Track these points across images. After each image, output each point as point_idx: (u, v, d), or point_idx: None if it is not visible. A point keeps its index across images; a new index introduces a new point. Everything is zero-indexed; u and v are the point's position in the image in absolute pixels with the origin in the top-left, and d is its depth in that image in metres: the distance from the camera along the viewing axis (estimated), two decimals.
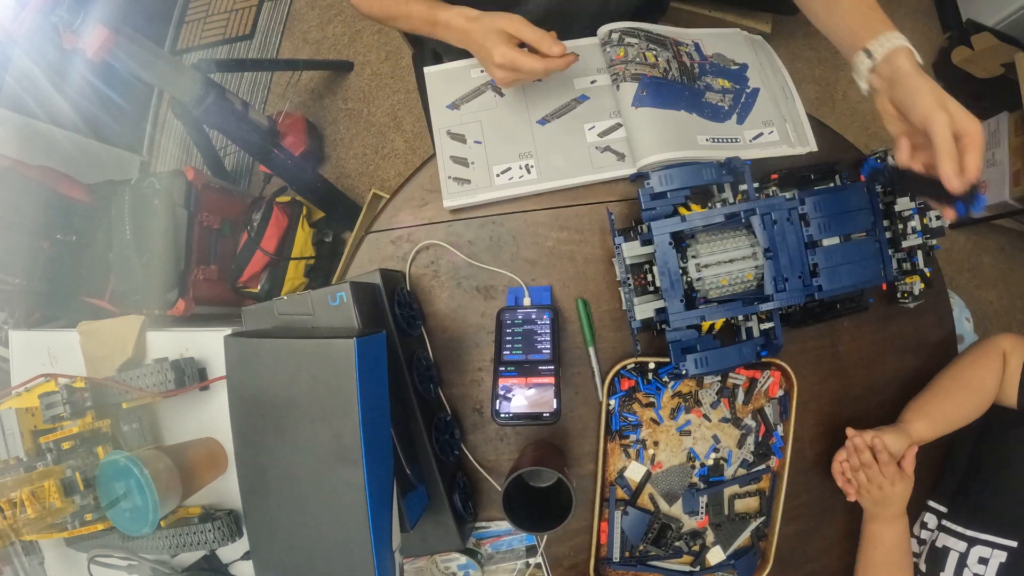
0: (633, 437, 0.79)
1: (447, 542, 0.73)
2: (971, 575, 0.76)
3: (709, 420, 0.80)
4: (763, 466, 0.80)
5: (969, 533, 0.77)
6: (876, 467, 0.73)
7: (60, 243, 1.26)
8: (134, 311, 1.30)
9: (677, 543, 0.79)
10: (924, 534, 0.82)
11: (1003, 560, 0.74)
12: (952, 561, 0.78)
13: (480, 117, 0.81)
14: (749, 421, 0.80)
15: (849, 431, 0.75)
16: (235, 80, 1.96)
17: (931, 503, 0.83)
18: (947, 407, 0.79)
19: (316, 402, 0.55)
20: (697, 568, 0.79)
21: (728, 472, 0.80)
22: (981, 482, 0.79)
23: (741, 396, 0.79)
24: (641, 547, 0.79)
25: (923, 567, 0.80)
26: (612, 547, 0.79)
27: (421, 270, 0.81)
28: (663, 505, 0.80)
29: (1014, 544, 0.74)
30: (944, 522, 0.81)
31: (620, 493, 0.80)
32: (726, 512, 0.80)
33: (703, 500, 0.79)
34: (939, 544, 0.80)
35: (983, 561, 0.76)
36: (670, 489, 0.80)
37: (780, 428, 0.80)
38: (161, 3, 2.01)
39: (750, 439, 0.79)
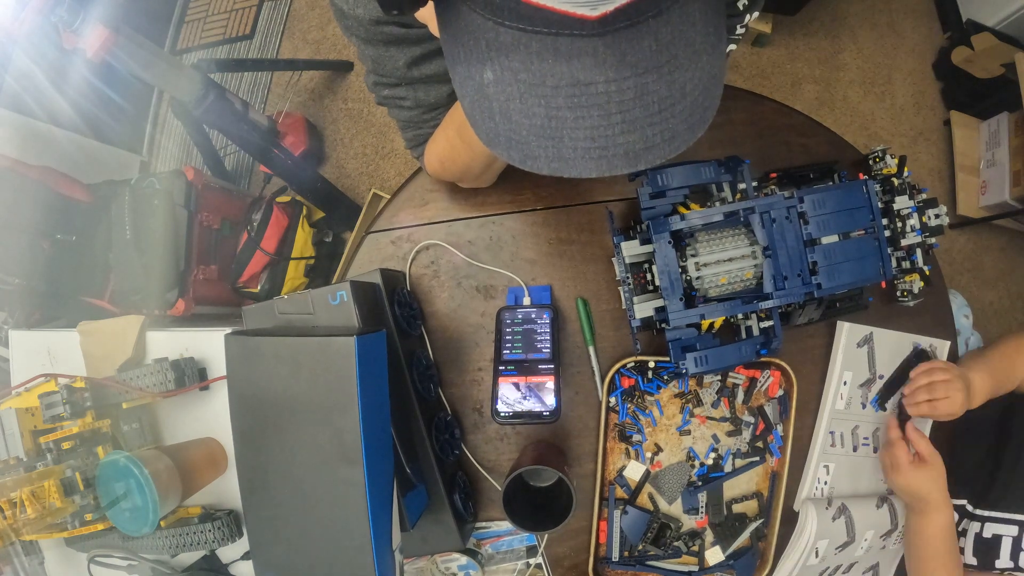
0: (635, 437, 0.79)
1: (447, 542, 0.73)
2: None
3: (709, 419, 0.80)
4: (756, 457, 0.80)
5: (1019, 517, 0.78)
6: (897, 448, 0.74)
7: (60, 243, 1.26)
8: (134, 311, 1.30)
9: (676, 543, 0.79)
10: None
11: None
12: (1006, 546, 0.78)
13: None
14: (748, 418, 0.80)
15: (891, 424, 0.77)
16: (235, 80, 1.96)
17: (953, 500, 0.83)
18: (1002, 375, 0.80)
19: (316, 400, 0.55)
20: (696, 568, 0.79)
21: (726, 467, 0.80)
22: (1017, 468, 0.79)
23: (741, 396, 0.79)
24: (640, 547, 0.79)
25: (973, 560, 0.80)
26: (611, 546, 0.79)
27: (421, 270, 0.81)
28: (662, 504, 0.80)
29: None
30: (979, 511, 0.81)
31: (619, 492, 0.80)
32: (725, 513, 0.80)
33: (702, 498, 0.79)
34: (987, 534, 0.80)
35: None
36: (669, 488, 0.80)
37: (780, 428, 0.80)
38: (161, 3, 2.01)
39: (746, 433, 0.80)
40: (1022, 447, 0.80)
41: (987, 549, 0.79)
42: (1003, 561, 0.78)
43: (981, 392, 0.78)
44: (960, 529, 0.81)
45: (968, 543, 0.81)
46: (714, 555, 0.79)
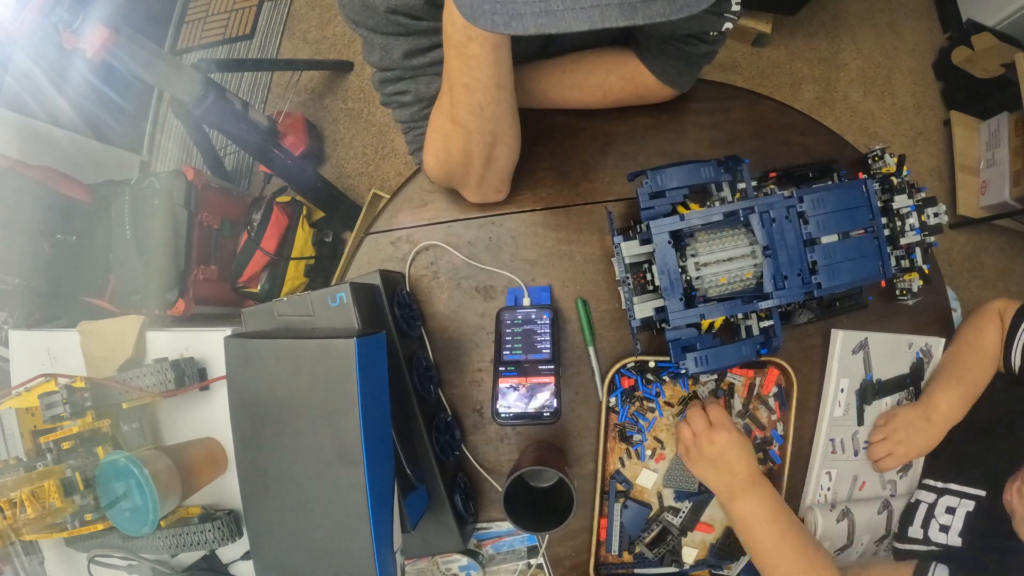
0: (635, 437, 0.79)
1: (448, 543, 0.73)
2: (938, 525, 0.76)
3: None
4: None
5: (940, 485, 0.78)
6: (683, 428, 0.71)
7: (60, 243, 1.26)
8: (134, 311, 1.30)
9: (671, 550, 0.79)
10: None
11: (970, 509, 0.74)
12: (921, 513, 0.78)
13: None
14: (738, 421, 0.79)
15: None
16: (235, 80, 1.96)
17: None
18: (970, 376, 0.79)
19: (316, 402, 0.55)
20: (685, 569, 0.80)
21: None
22: (957, 437, 0.79)
23: (740, 396, 0.79)
24: (637, 549, 0.79)
25: (895, 526, 0.80)
26: (611, 540, 0.79)
27: (421, 271, 0.81)
28: (668, 501, 0.80)
29: (982, 493, 0.74)
30: (922, 479, 0.81)
31: (619, 487, 0.80)
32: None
33: (686, 506, 0.79)
34: (912, 499, 0.80)
35: (950, 511, 0.76)
36: (675, 481, 0.80)
37: (779, 427, 0.80)
38: (161, 3, 2.01)
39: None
40: (969, 427, 0.78)
41: (907, 513, 0.79)
42: (915, 529, 0.78)
43: (951, 410, 0.77)
44: (913, 500, 0.81)
45: (901, 506, 0.81)
46: (688, 555, 0.80)
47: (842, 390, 0.79)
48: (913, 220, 0.73)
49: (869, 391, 0.80)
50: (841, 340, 0.79)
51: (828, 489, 0.80)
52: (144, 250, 1.29)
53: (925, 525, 0.77)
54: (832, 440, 0.80)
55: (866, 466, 0.81)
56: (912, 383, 0.82)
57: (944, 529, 0.75)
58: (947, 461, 0.79)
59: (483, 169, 0.70)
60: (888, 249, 0.71)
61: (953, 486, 0.77)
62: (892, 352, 0.81)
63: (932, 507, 0.77)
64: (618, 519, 0.79)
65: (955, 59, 1.81)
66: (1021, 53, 1.64)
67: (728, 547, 0.79)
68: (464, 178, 0.73)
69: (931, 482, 0.80)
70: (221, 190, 1.51)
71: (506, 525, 0.80)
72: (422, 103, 0.68)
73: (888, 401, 0.81)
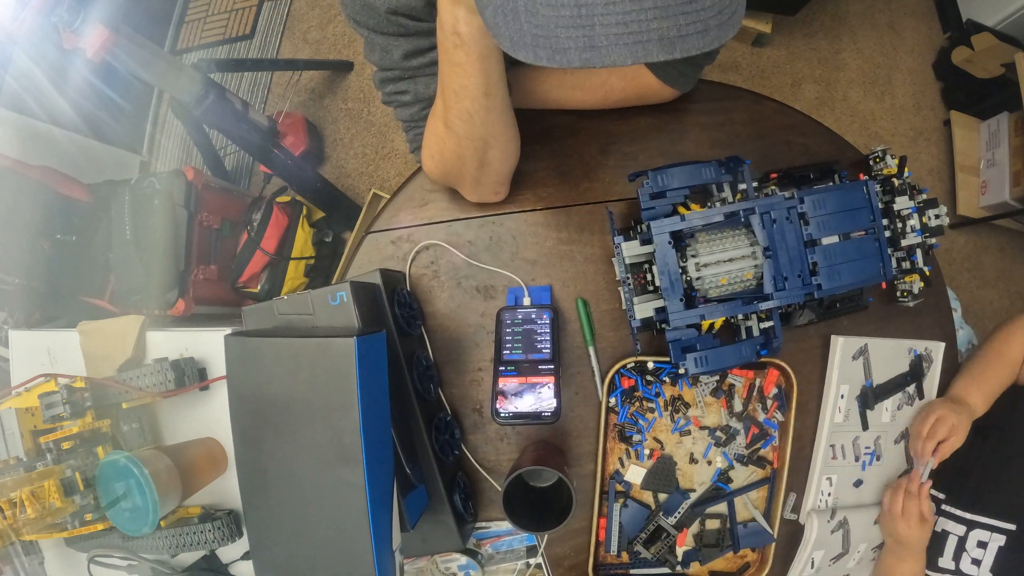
0: (635, 437, 0.79)
1: (447, 542, 0.73)
2: (970, 559, 0.76)
3: (703, 427, 0.80)
4: (761, 469, 0.80)
5: (968, 516, 0.78)
6: (921, 502, 0.73)
7: (60, 243, 1.26)
8: (134, 311, 1.30)
9: (666, 551, 0.79)
10: None
11: (1002, 544, 0.74)
12: (951, 545, 0.78)
13: None
14: (736, 424, 0.80)
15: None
16: (235, 80, 1.96)
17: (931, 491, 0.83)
18: (995, 380, 0.80)
19: (316, 401, 0.55)
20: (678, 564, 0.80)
21: (731, 474, 0.80)
22: (982, 466, 0.79)
23: (739, 396, 0.79)
24: (635, 547, 0.79)
25: None
26: (610, 540, 0.79)
27: (421, 270, 0.81)
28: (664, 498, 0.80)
29: (1012, 527, 0.74)
30: (944, 507, 0.81)
31: (619, 487, 0.80)
32: (698, 533, 0.80)
33: (684, 504, 0.79)
34: (938, 528, 0.79)
35: (982, 545, 0.76)
36: (654, 484, 0.79)
37: (778, 428, 0.79)
38: (161, 3, 2.01)
39: (739, 438, 0.80)
40: (992, 455, 0.79)
41: (935, 543, 0.79)
42: (946, 560, 0.78)
43: (977, 407, 0.78)
44: (940, 530, 0.81)
45: None
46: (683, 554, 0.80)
47: (842, 396, 0.79)
48: (914, 222, 0.72)
49: (870, 396, 0.80)
50: (841, 347, 0.78)
51: (829, 495, 0.80)
52: (144, 250, 1.29)
53: (956, 557, 0.77)
54: (832, 446, 0.80)
55: (867, 472, 0.81)
56: (913, 380, 0.82)
57: (976, 563, 0.76)
58: (975, 492, 0.79)
59: (477, 172, 0.70)
60: (889, 251, 0.71)
61: (981, 518, 0.77)
62: (892, 358, 0.81)
63: (963, 540, 0.77)
64: (617, 519, 0.79)
65: (955, 59, 1.81)
66: (1021, 53, 1.64)
67: (712, 539, 0.79)
68: (460, 179, 0.73)
69: (956, 511, 0.79)
70: (221, 190, 1.51)
71: (505, 525, 0.80)
72: (421, 103, 0.68)
73: (889, 404, 0.81)
